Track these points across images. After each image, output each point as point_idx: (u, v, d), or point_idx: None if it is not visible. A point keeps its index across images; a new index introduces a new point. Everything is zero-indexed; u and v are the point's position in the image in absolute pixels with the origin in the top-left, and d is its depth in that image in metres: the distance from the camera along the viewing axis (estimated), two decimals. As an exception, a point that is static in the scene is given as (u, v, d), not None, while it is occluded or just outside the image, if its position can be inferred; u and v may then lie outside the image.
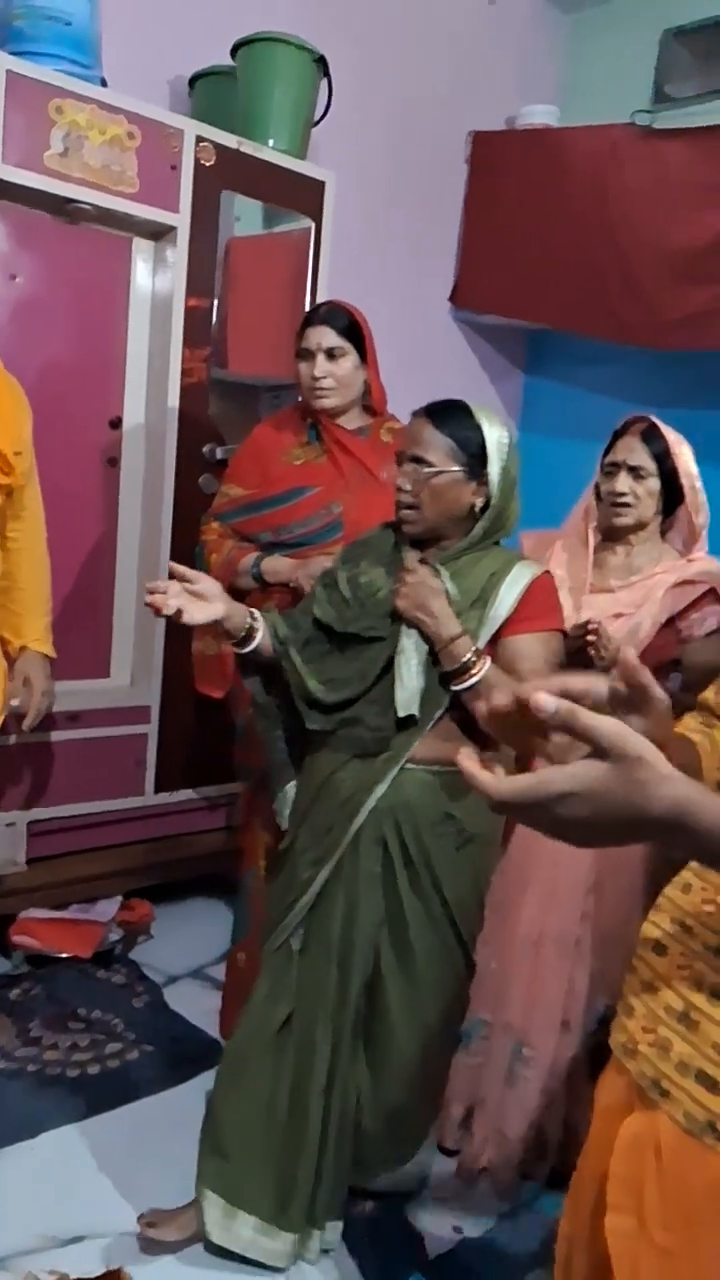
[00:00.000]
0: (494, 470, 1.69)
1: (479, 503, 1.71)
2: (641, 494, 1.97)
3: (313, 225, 2.94)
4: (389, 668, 1.69)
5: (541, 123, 3.83)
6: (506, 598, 1.68)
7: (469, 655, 1.63)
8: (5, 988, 2.53)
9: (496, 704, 0.81)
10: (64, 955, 2.59)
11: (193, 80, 3.02)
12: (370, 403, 2.26)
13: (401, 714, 1.65)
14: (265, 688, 1.87)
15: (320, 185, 2.93)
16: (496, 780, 0.76)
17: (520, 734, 0.81)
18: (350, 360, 2.18)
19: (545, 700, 0.74)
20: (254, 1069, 1.77)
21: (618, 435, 2.03)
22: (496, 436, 1.71)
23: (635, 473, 1.97)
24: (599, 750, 0.73)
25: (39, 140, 2.35)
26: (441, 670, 1.66)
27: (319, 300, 2.86)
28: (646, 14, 3.83)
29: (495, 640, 1.69)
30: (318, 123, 3.01)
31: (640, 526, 2.01)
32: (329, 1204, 1.82)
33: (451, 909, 1.75)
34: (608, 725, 0.73)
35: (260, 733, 1.95)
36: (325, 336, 2.15)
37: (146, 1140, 2.07)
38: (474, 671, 1.63)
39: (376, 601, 1.72)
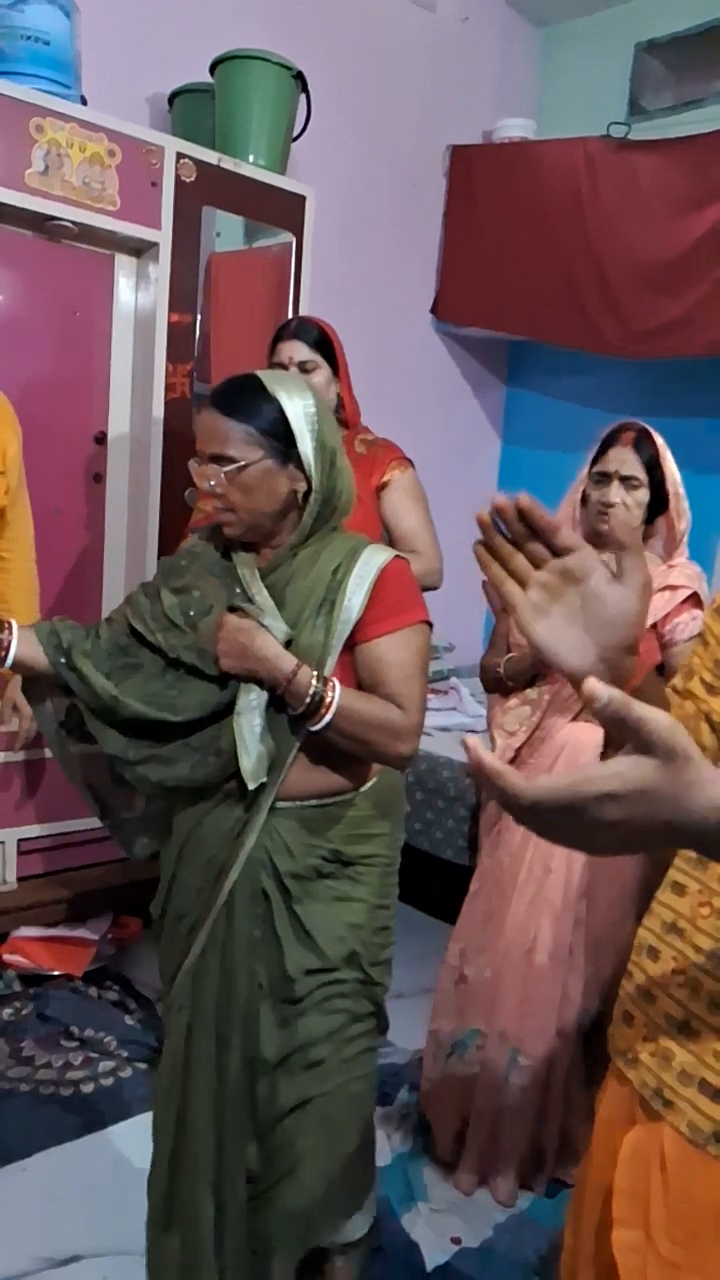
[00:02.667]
0: (306, 448, 1.45)
1: (300, 488, 1.47)
2: (631, 504, 1.98)
3: (294, 240, 2.96)
4: (215, 716, 1.46)
5: (518, 136, 3.88)
6: (354, 598, 1.46)
7: (314, 687, 1.40)
8: (-3, 1007, 2.51)
9: (497, 504, 0.80)
10: (55, 974, 2.58)
11: (172, 97, 3.04)
12: (343, 415, 2.27)
13: (251, 785, 1.42)
14: (67, 723, 1.57)
15: (301, 200, 2.95)
16: (525, 780, 0.69)
17: (505, 567, 0.83)
18: (322, 374, 2.19)
19: (598, 689, 0.67)
20: (174, 1157, 1.56)
21: (608, 444, 2.01)
22: (300, 408, 1.46)
23: (627, 482, 1.97)
24: (645, 745, 0.67)
25: (19, 159, 2.36)
26: (292, 714, 1.44)
27: (301, 314, 2.88)
28: (619, 27, 3.89)
29: (351, 647, 1.48)
30: (297, 138, 3.03)
31: (626, 533, 2.02)
32: None
33: (359, 958, 1.53)
34: (662, 720, 0.67)
35: (80, 791, 1.65)
36: (297, 350, 2.17)
37: (142, 1158, 2.03)
38: (328, 703, 1.41)
39: (209, 624, 1.48)
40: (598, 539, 1.91)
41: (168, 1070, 1.55)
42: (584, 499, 2.03)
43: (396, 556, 1.51)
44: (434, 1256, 1.91)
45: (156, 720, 1.46)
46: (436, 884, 2.89)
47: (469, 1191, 2.07)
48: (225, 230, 2.98)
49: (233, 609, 1.46)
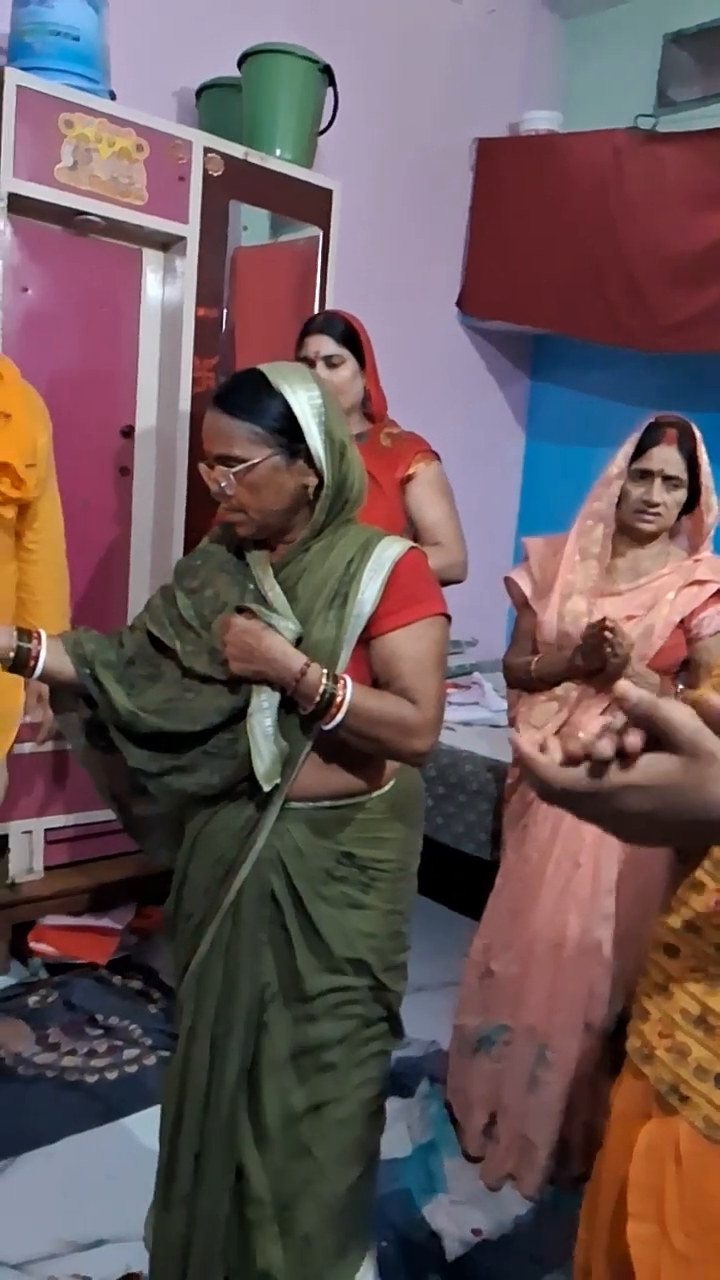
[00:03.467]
0: (314, 442, 1.42)
1: (311, 483, 1.44)
2: (670, 503, 1.95)
3: (320, 233, 2.97)
4: (231, 721, 1.43)
5: (545, 128, 3.86)
6: (368, 591, 1.42)
7: (324, 686, 1.37)
8: (24, 994, 2.55)
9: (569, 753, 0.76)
10: (80, 962, 2.61)
11: (199, 92, 3.05)
12: (370, 409, 2.28)
13: (266, 787, 1.39)
14: (91, 733, 1.55)
15: (328, 194, 2.95)
16: (556, 766, 0.73)
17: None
18: (349, 368, 2.19)
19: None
20: (170, 1163, 1.54)
21: (650, 440, 1.94)
22: (305, 400, 1.43)
23: (669, 482, 1.94)
24: (671, 744, 0.71)
25: (49, 154, 2.38)
26: (303, 715, 1.40)
27: (327, 307, 2.89)
28: (646, 18, 3.86)
29: (366, 641, 1.44)
30: (323, 132, 3.03)
31: (661, 532, 2.01)
32: None
33: (371, 966, 1.49)
34: (685, 718, 0.70)
35: (102, 795, 1.63)
36: (323, 345, 2.18)
37: (165, 1145, 2.09)
38: (339, 702, 1.37)
39: (218, 624, 1.45)
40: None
41: (171, 1071, 1.54)
42: (621, 494, 1.99)
43: (412, 548, 1.48)
44: (455, 1248, 1.92)
45: (175, 732, 1.44)
46: (457, 878, 2.89)
47: (496, 1186, 2.07)
48: (251, 224, 2.99)
49: (240, 610, 1.43)
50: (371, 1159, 1.60)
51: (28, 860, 2.63)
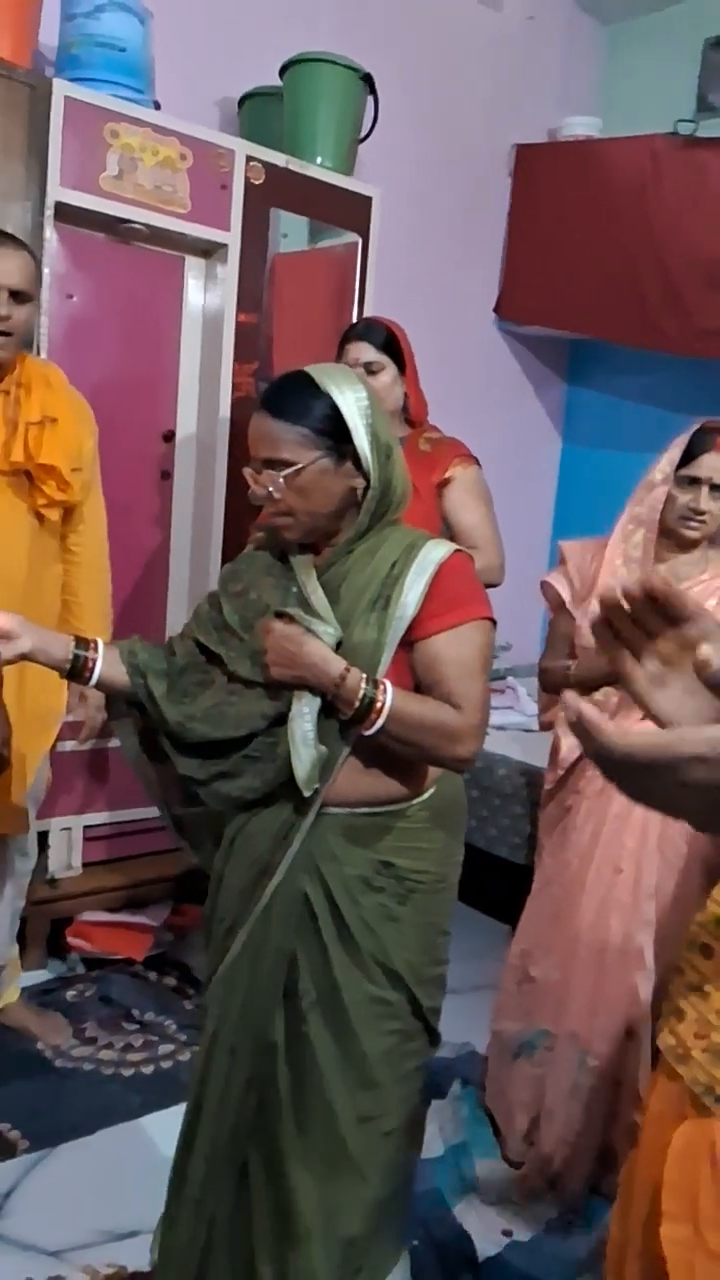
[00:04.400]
0: (361, 443, 1.41)
1: (358, 485, 1.43)
2: (717, 510, 1.94)
3: (359, 240, 2.99)
4: (272, 724, 1.42)
5: (584, 134, 3.87)
6: (410, 594, 1.40)
7: (364, 691, 1.35)
8: (62, 989, 2.59)
9: (626, 590, 0.76)
10: (117, 958, 2.65)
11: (242, 101, 3.09)
12: (410, 414, 2.30)
13: (306, 793, 1.38)
14: (143, 740, 1.55)
15: (367, 201, 2.98)
16: (621, 732, 0.70)
17: (621, 641, 0.79)
18: (388, 374, 2.22)
19: (710, 655, 0.69)
20: (183, 1167, 1.54)
21: (698, 447, 1.92)
22: (353, 401, 1.41)
23: (718, 490, 1.93)
24: None
25: (95, 163, 2.43)
26: (343, 720, 1.39)
27: (365, 313, 2.92)
28: (687, 23, 3.86)
29: (409, 644, 1.43)
30: (364, 139, 3.06)
31: (705, 539, 2.01)
32: None
33: (404, 979, 1.47)
34: None
35: (154, 801, 1.63)
36: (363, 352, 2.21)
37: (199, 1139, 2.12)
38: (379, 707, 1.36)
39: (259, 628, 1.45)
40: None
41: (193, 1077, 1.53)
42: (666, 499, 1.98)
43: (457, 550, 1.46)
44: (485, 1248, 1.93)
45: (221, 739, 1.44)
46: (490, 881, 2.90)
47: (536, 1193, 2.06)
48: (291, 231, 3.02)
49: (279, 615, 1.42)
50: (411, 1165, 1.61)
51: (66, 857, 2.67)
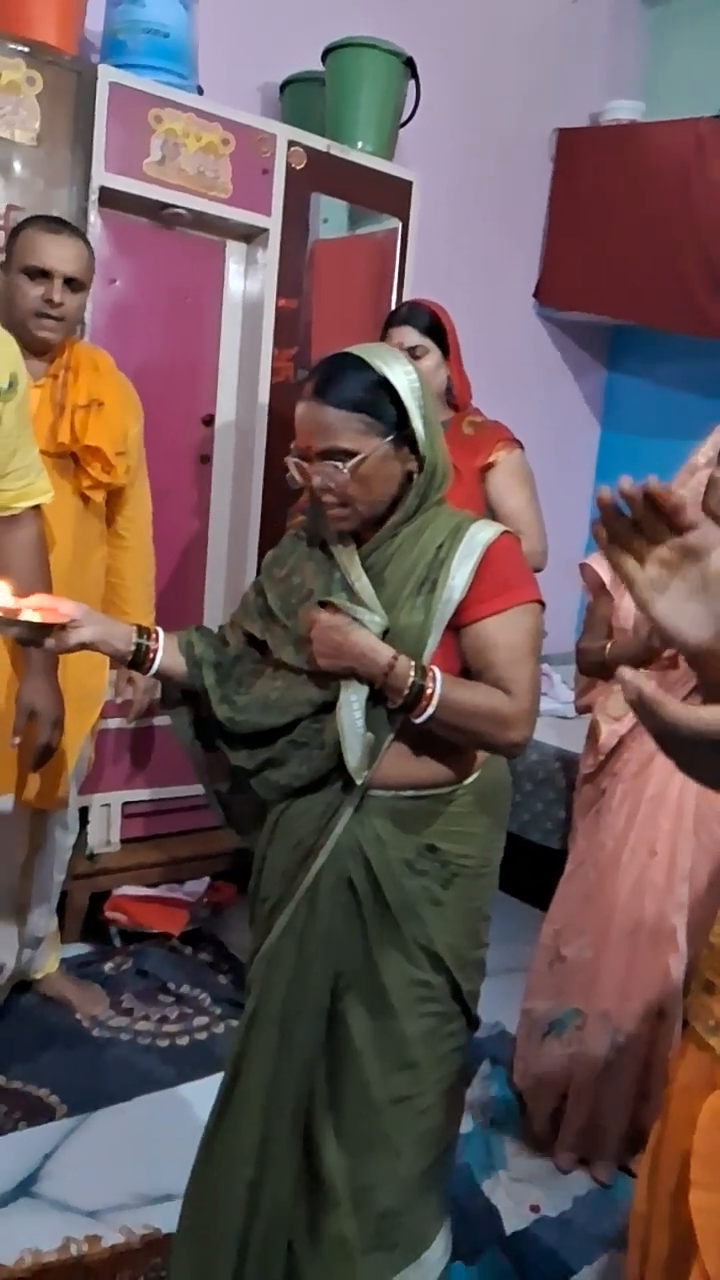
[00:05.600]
0: (418, 424, 1.38)
1: (413, 468, 1.41)
2: None
3: (399, 225, 3.00)
4: (318, 710, 1.41)
5: (627, 118, 3.84)
6: (458, 577, 1.37)
7: (413, 678, 1.34)
8: (99, 961, 2.65)
9: (625, 491, 0.78)
10: (154, 932, 2.70)
11: (284, 86, 3.11)
12: (453, 398, 2.30)
13: (358, 781, 1.38)
14: (197, 729, 1.54)
15: (408, 185, 2.99)
16: (687, 709, 0.72)
17: (622, 545, 0.81)
18: (432, 358, 2.22)
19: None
20: (213, 1139, 1.54)
21: None
22: (406, 379, 1.38)
23: None
24: None
25: (139, 148, 2.46)
26: (391, 708, 1.38)
27: (405, 298, 2.92)
28: (733, 5, 3.81)
29: (456, 629, 1.41)
30: (405, 124, 3.06)
31: None
32: None
33: (445, 962, 1.46)
34: None
35: (204, 791, 1.64)
36: (407, 336, 2.21)
37: (233, 1110, 2.16)
38: (428, 694, 1.34)
39: (308, 609, 1.43)
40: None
41: (232, 1051, 1.53)
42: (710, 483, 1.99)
43: (505, 532, 1.43)
44: (512, 1223, 1.95)
45: (269, 727, 1.43)
46: (523, 866, 2.91)
47: (568, 1170, 2.08)
48: (331, 216, 3.04)
49: (323, 604, 1.40)
50: (450, 1141, 1.62)
51: (106, 833, 2.72)
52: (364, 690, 1.37)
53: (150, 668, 1.46)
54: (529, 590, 1.42)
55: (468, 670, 1.42)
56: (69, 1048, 2.30)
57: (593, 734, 2.12)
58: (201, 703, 1.51)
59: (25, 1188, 1.90)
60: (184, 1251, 1.56)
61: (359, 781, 1.38)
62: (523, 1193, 2.03)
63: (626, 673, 0.75)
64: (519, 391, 3.91)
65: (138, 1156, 2.01)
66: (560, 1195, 2.03)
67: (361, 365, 1.37)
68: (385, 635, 1.38)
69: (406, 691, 1.34)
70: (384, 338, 2.26)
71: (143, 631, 1.45)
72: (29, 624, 1.33)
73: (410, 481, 1.42)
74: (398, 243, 3.02)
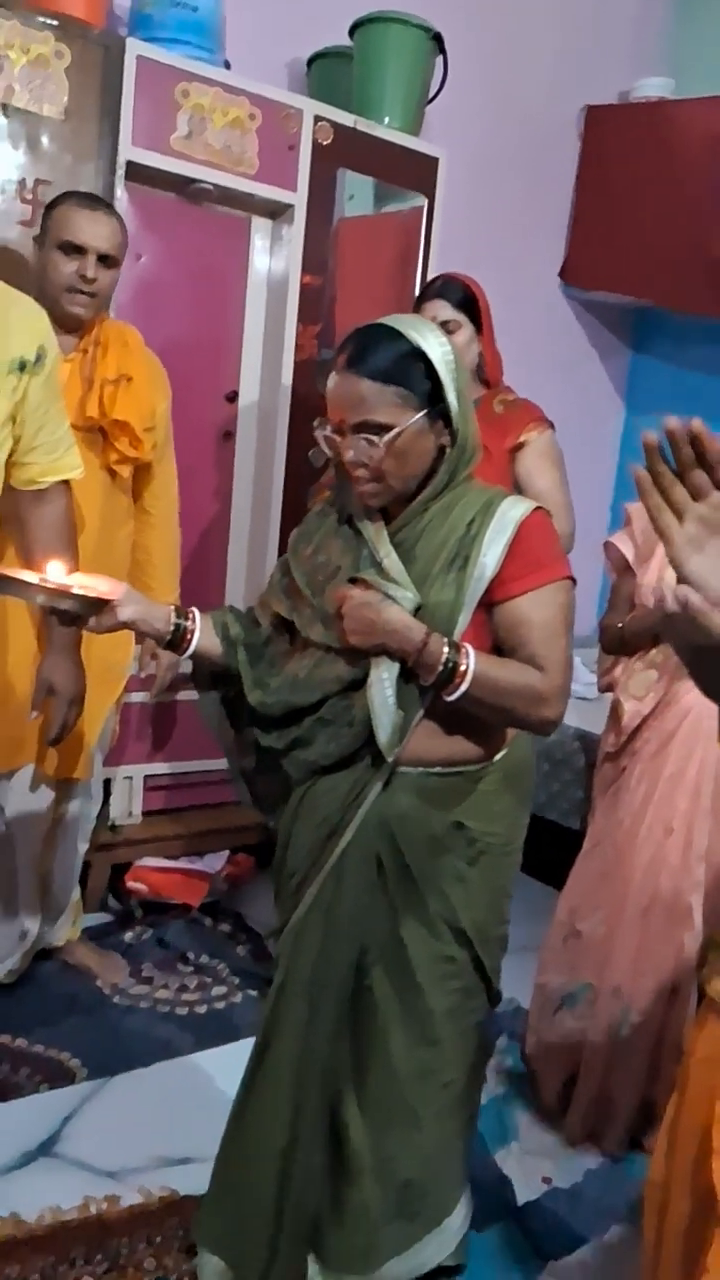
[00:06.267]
0: (452, 397, 1.36)
1: (446, 442, 1.39)
2: None
3: (425, 201, 2.99)
4: (347, 688, 1.40)
5: (656, 95, 3.80)
6: (490, 554, 1.36)
7: (447, 655, 1.33)
8: (120, 931, 2.69)
9: (670, 428, 0.78)
10: (174, 903, 2.74)
11: (311, 61, 3.09)
12: (485, 374, 2.27)
13: (389, 758, 1.38)
14: (231, 711, 1.56)
15: (434, 162, 2.97)
16: None
17: (664, 495, 0.80)
18: (465, 333, 2.19)
19: None
20: (244, 1106, 1.57)
21: None
22: (440, 350, 1.36)
23: None
24: None
25: (166, 123, 2.46)
26: (424, 686, 1.37)
27: (430, 274, 2.92)
28: (766, -21, 3.76)
29: (488, 606, 1.39)
30: (432, 100, 3.05)
31: None
32: None
33: (470, 938, 1.47)
34: None
35: (229, 771, 1.64)
36: (440, 310, 2.18)
37: (249, 1077, 2.19)
38: (462, 671, 1.33)
39: (336, 586, 1.42)
40: None
41: (261, 1024, 1.54)
42: None
43: (537, 508, 1.41)
44: (524, 1194, 1.97)
45: (299, 706, 1.43)
46: (541, 845, 2.92)
47: (577, 1142, 2.10)
48: (357, 193, 3.03)
49: (353, 580, 1.39)
50: (471, 1113, 1.65)
51: (128, 804, 2.76)
52: (395, 668, 1.37)
53: (187, 648, 1.47)
54: (562, 567, 1.41)
55: (499, 647, 1.42)
56: (90, 1014, 2.34)
57: (615, 713, 2.13)
58: (229, 684, 1.52)
59: (46, 1148, 1.94)
60: (214, 1215, 1.59)
61: (389, 758, 1.38)
62: (535, 1164, 2.05)
63: (674, 586, 0.75)
64: (542, 372, 3.88)
65: (156, 1120, 2.04)
66: (572, 1168, 2.05)
67: (396, 336, 1.35)
68: (417, 613, 1.37)
69: (440, 669, 1.33)
70: (416, 311, 2.23)
71: (181, 612, 1.46)
72: (81, 598, 1.34)
73: (442, 456, 1.40)
74: (423, 220, 3.01)
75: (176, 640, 1.46)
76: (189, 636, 1.46)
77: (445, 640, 1.34)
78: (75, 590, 1.34)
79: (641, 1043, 2.03)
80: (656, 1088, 2.06)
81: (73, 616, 1.38)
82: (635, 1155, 2.07)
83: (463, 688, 1.33)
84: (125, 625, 1.40)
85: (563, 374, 4.08)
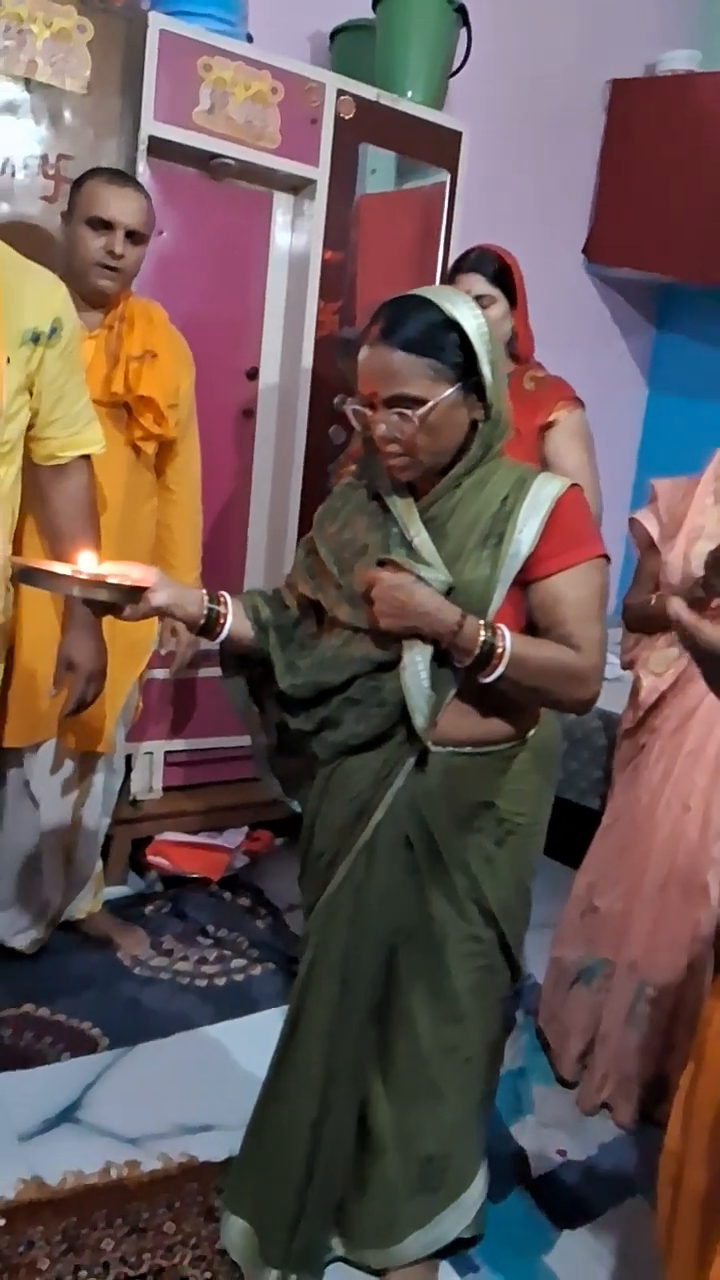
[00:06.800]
0: (487, 370, 1.34)
1: (479, 416, 1.37)
2: None
3: (448, 176, 2.97)
4: (377, 669, 1.39)
5: (683, 68, 3.75)
6: (526, 531, 1.34)
7: (484, 637, 1.31)
8: (141, 904, 2.72)
9: None
10: (194, 877, 2.77)
11: (333, 35, 3.07)
12: (516, 349, 2.23)
13: (426, 741, 1.38)
14: (255, 693, 1.56)
15: (457, 136, 2.95)
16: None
17: None
18: (499, 308, 2.15)
19: None
20: (276, 1079, 1.58)
21: None
22: (475, 323, 1.33)
23: None
24: None
25: (188, 97, 2.45)
26: (459, 667, 1.36)
27: (453, 250, 2.90)
28: None
29: (522, 584, 1.38)
30: (455, 73, 3.02)
31: None
32: (303, 1254, 1.55)
33: (496, 917, 1.48)
34: None
35: (253, 753, 1.64)
36: (474, 284, 2.13)
37: (267, 1047, 2.17)
38: (499, 652, 1.31)
39: (365, 565, 1.40)
40: None
41: (291, 1001, 1.55)
42: None
43: (573, 485, 1.40)
44: (539, 1166, 1.99)
45: (328, 685, 1.42)
46: (559, 824, 2.92)
47: (590, 1112, 2.12)
48: (379, 168, 3.01)
49: (382, 563, 1.37)
50: (491, 1087, 1.67)
51: (148, 779, 2.78)
52: (429, 650, 1.35)
53: (220, 633, 1.45)
54: (597, 544, 1.39)
55: (535, 626, 1.40)
56: (110, 985, 2.37)
57: (634, 689, 2.13)
58: (254, 667, 1.52)
59: (68, 1114, 1.97)
60: (242, 1180, 1.62)
61: (426, 741, 1.37)
62: (550, 1137, 2.07)
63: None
64: (565, 349, 3.85)
65: (176, 1089, 2.07)
66: (586, 1141, 2.07)
67: (430, 307, 1.33)
68: (449, 594, 1.35)
69: (477, 650, 1.31)
70: (450, 284, 2.19)
71: (213, 597, 1.45)
72: (115, 588, 1.33)
73: (473, 431, 1.38)
74: (445, 195, 2.98)
75: (209, 625, 1.44)
76: (222, 621, 1.44)
77: (481, 622, 1.32)
78: (109, 581, 1.33)
79: (657, 1017, 2.04)
80: (670, 1062, 2.07)
81: (107, 606, 1.36)
82: (649, 1129, 2.09)
83: (499, 669, 1.32)
84: (159, 611, 1.40)
85: (585, 351, 4.05)
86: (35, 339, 1.67)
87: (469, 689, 1.39)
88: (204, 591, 1.45)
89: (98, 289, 2.08)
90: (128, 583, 1.35)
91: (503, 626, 1.33)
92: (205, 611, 1.43)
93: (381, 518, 1.43)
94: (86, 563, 1.35)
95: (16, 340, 1.64)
